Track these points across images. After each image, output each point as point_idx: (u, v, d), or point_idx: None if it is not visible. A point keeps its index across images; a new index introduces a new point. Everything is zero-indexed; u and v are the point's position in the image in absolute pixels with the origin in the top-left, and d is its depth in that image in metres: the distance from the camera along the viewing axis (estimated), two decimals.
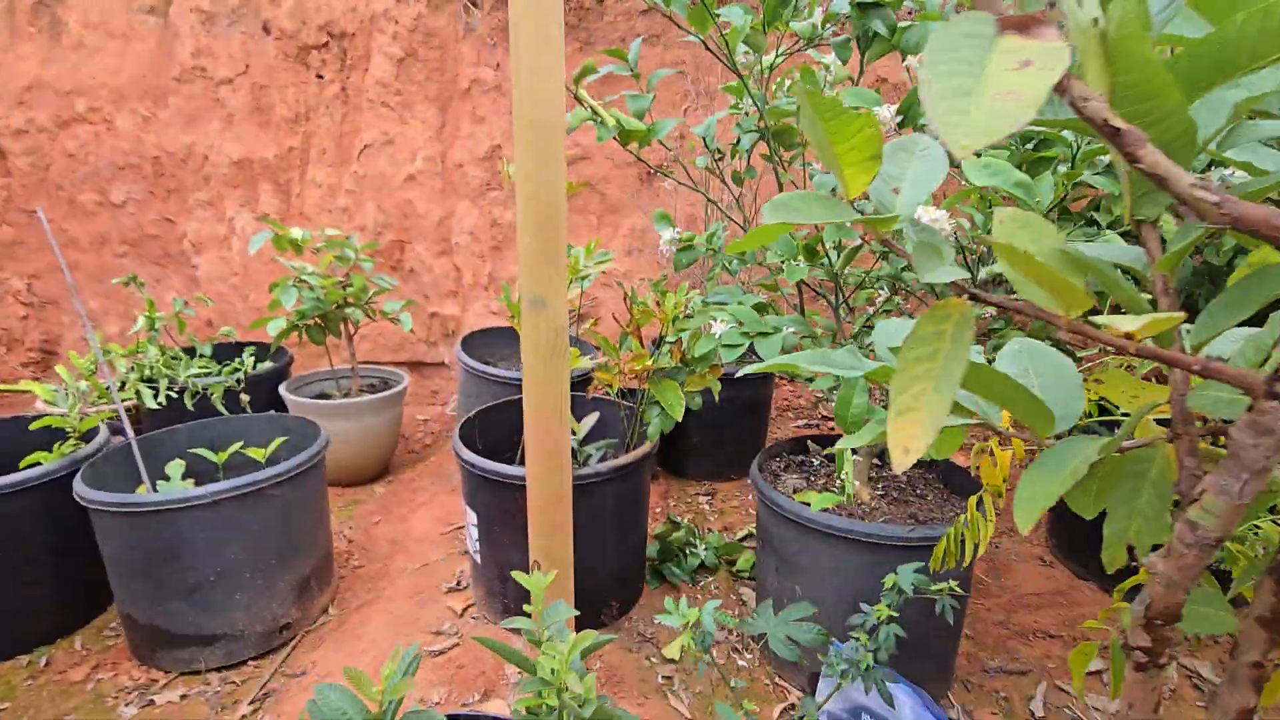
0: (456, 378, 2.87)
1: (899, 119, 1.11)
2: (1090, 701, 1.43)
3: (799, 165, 1.61)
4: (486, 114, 2.76)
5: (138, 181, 2.82)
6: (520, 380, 2.06)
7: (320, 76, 2.75)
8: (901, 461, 0.38)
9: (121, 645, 1.52)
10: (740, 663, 1.52)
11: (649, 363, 1.38)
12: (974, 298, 0.41)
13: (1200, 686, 1.46)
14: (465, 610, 1.62)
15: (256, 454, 1.68)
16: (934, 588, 0.98)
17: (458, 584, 1.71)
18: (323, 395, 2.40)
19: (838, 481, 1.45)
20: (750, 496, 2.24)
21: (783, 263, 1.28)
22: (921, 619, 1.32)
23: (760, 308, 1.46)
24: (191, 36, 2.69)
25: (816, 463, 1.67)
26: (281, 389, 2.27)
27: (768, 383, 2.36)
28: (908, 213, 0.44)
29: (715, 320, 1.30)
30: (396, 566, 1.81)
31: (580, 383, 2.11)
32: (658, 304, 1.43)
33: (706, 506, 2.19)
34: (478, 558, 1.55)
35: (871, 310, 1.51)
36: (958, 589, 1.04)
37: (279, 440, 1.70)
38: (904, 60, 1.19)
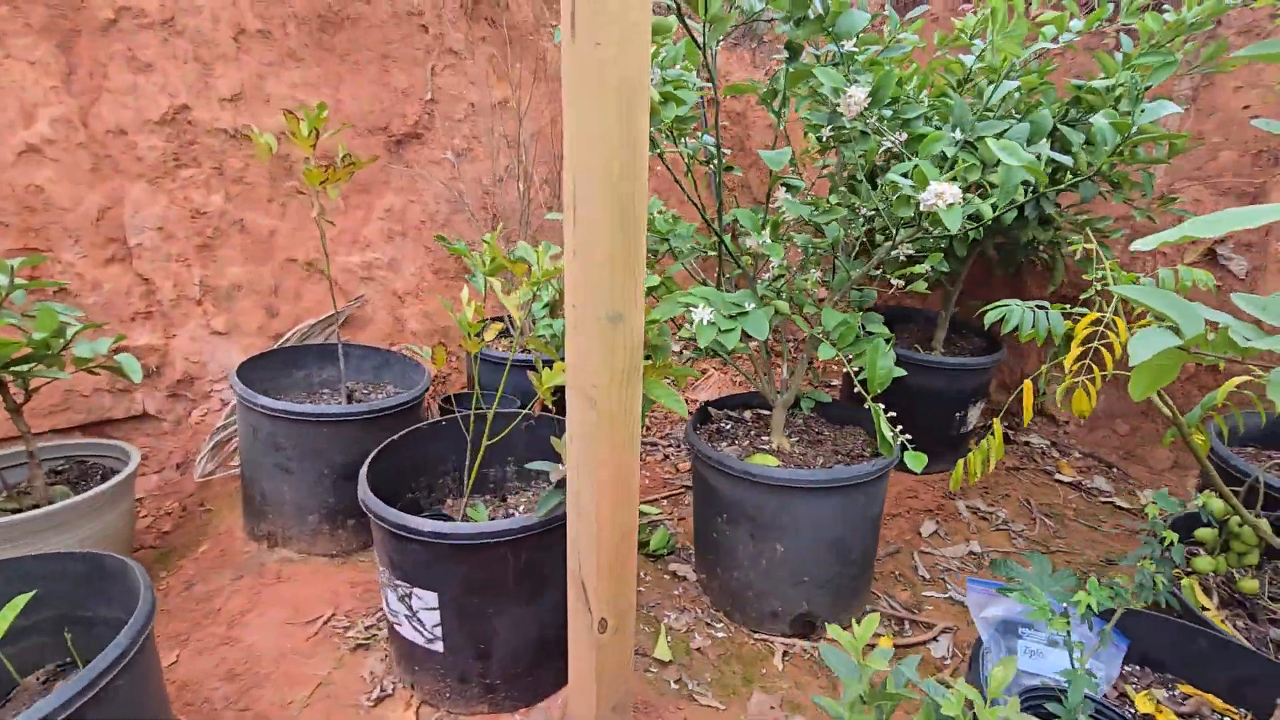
0: (187, 427, 2.09)
1: (869, 100, 1.20)
2: (943, 551, 1.87)
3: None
4: (154, 59, 1.96)
5: None
6: (350, 416, 1.62)
7: None
8: None
9: None
10: (719, 634, 1.54)
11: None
12: None
13: (987, 517, 2.03)
14: (419, 712, 1.27)
15: None
16: None
17: (383, 690, 1.33)
18: None
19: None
20: None
21: (757, 238, 1.27)
22: (860, 540, 1.54)
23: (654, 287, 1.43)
24: None
25: (728, 426, 1.74)
26: None
27: None
28: None
29: (697, 307, 1.23)
30: (269, 704, 1.30)
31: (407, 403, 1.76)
32: None
33: None
34: (437, 645, 1.23)
35: (767, 277, 1.62)
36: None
37: (22, 598, 1.03)
38: (838, 44, 1.27)
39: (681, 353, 1.81)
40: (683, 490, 2.15)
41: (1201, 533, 1.15)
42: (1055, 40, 1.63)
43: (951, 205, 1.07)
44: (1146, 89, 0.86)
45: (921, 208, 1.10)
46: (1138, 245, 0.61)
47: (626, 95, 0.80)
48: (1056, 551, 1.87)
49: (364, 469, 1.30)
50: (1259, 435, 1.72)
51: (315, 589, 1.59)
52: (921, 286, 1.45)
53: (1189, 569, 1.20)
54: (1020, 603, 0.79)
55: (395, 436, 1.43)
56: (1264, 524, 1.09)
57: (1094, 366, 0.97)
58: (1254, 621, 1.17)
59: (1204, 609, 1.14)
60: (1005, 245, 2.14)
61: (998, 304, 1.08)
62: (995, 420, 1.16)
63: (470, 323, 1.15)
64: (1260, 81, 2.11)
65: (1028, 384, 1.09)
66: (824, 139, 1.46)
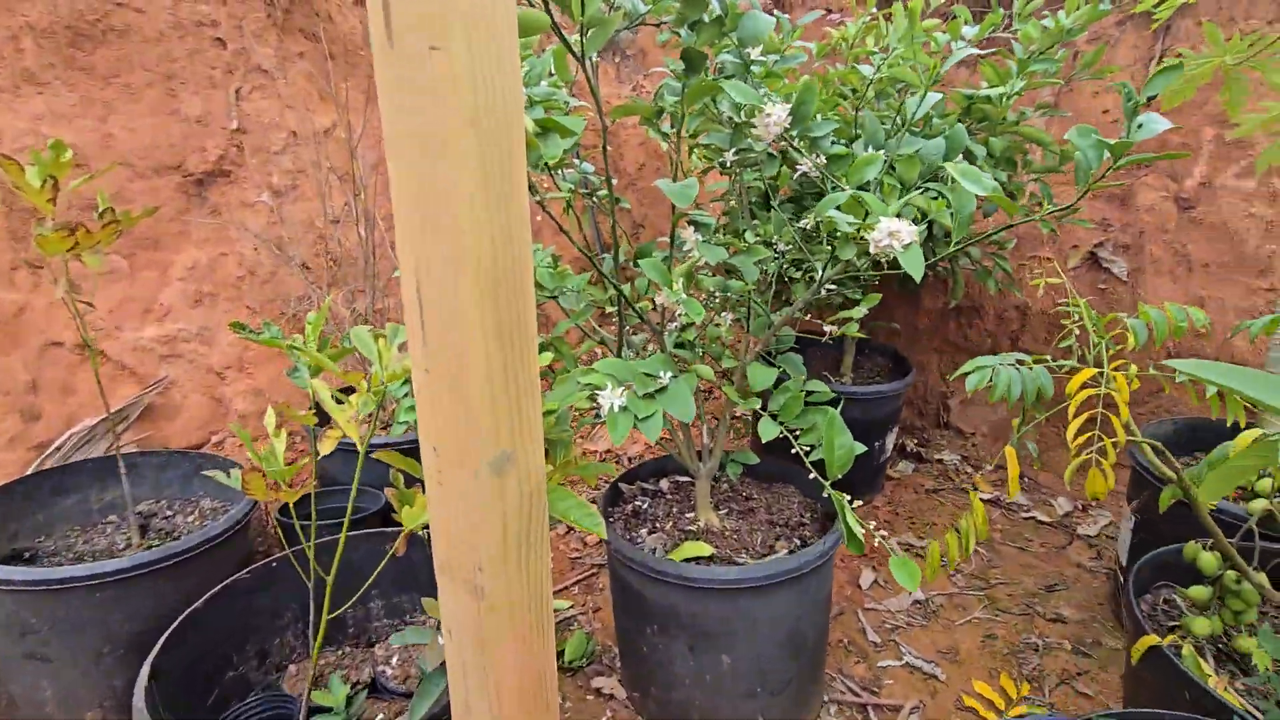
0: None
1: (790, 119, 0.97)
2: (887, 604, 1.70)
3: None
4: None
5: None
6: (129, 572, 1.17)
7: None
8: None
9: None
10: None
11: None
12: None
13: (920, 553, 1.90)
14: None
15: None
16: None
17: None
18: None
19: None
20: None
21: (670, 295, 1.01)
22: (815, 628, 1.32)
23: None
24: None
25: (644, 503, 1.47)
26: None
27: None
28: None
29: (604, 389, 0.95)
30: None
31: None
32: None
33: None
34: None
35: (674, 326, 1.37)
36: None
37: None
38: (741, 52, 1.04)
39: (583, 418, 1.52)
40: (595, 570, 1.85)
41: (1195, 591, 1.03)
42: (945, 47, 1.53)
43: (909, 245, 0.87)
44: (1150, 100, 0.70)
45: (871, 249, 0.89)
46: None
47: (494, 128, 0.50)
48: (997, 584, 1.77)
49: (143, 674, 0.89)
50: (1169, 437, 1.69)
51: None
52: (854, 330, 1.26)
53: (1183, 631, 1.07)
54: None
55: (199, 604, 1.02)
56: (1263, 578, 0.98)
57: (1103, 437, 0.80)
58: (1247, 675, 1.07)
59: (1207, 676, 1.01)
60: None
61: (975, 365, 0.89)
62: (973, 493, 0.97)
63: (282, 469, 0.78)
64: (1113, 87, 2.17)
65: (1010, 451, 0.91)
66: (728, 164, 1.23)
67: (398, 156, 0.50)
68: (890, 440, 2.13)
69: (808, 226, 1.38)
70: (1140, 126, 0.71)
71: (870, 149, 1.30)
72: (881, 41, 1.78)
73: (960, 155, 1.32)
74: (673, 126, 1.31)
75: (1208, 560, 1.01)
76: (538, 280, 1.18)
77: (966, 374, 0.91)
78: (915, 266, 0.85)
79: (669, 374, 1.06)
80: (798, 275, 1.55)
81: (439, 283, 0.52)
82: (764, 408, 1.15)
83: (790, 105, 0.96)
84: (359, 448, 0.79)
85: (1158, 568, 1.22)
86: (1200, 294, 1.99)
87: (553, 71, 1.18)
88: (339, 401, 0.84)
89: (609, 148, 2.91)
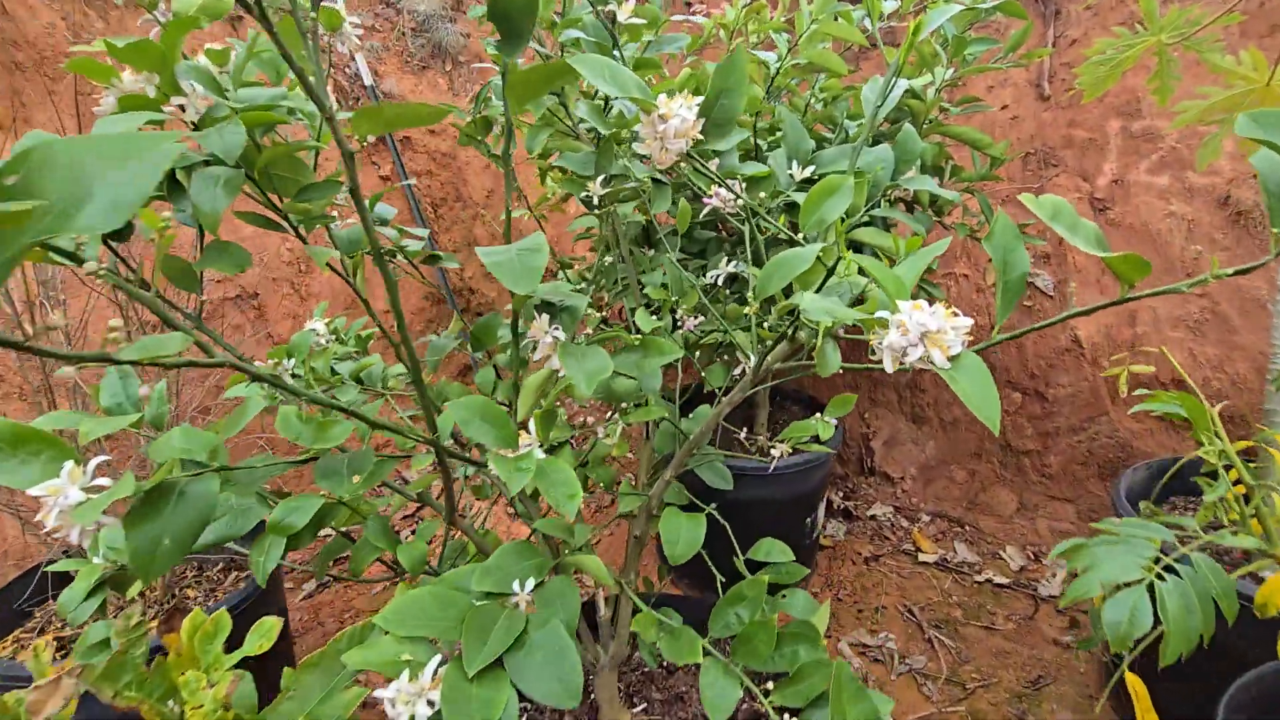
0: None
1: (701, 125, 0.53)
2: None
3: None
4: None
5: None
6: None
7: None
8: None
9: None
10: None
11: None
12: None
13: (879, 657, 1.54)
14: None
15: None
16: None
17: None
18: None
19: None
20: None
21: (500, 471, 0.53)
22: None
23: None
24: None
25: None
26: None
27: None
28: None
29: (394, 681, 0.46)
30: None
31: None
32: None
33: None
34: None
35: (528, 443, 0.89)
36: None
37: None
38: (606, 4, 0.59)
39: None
40: None
41: None
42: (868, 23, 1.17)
43: (958, 357, 0.45)
44: None
45: (885, 364, 0.46)
46: None
47: None
48: (976, 689, 1.43)
49: None
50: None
51: None
52: (817, 446, 0.85)
53: None
54: None
55: None
56: None
57: None
58: None
59: None
60: None
61: (1077, 558, 0.48)
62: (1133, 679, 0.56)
63: None
64: (1010, 80, 1.96)
65: (1137, 683, 0.51)
66: (595, 200, 0.77)
67: None
68: (822, 510, 1.77)
69: (717, 281, 0.95)
70: None
71: (796, 165, 0.90)
72: (764, 28, 1.41)
73: (915, 167, 0.95)
74: (507, 145, 0.83)
75: None
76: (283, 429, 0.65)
77: (1091, 597, 0.50)
78: (987, 401, 0.42)
79: (529, 585, 0.58)
80: (703, 342, 1.11)
81: None
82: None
83: (701, 101, 0.51)
84: None
85: (1243, 704, 0.90)
86: (1132, 305, 1.79)
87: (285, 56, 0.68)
88: None
89: (447, 174, 2.37)
